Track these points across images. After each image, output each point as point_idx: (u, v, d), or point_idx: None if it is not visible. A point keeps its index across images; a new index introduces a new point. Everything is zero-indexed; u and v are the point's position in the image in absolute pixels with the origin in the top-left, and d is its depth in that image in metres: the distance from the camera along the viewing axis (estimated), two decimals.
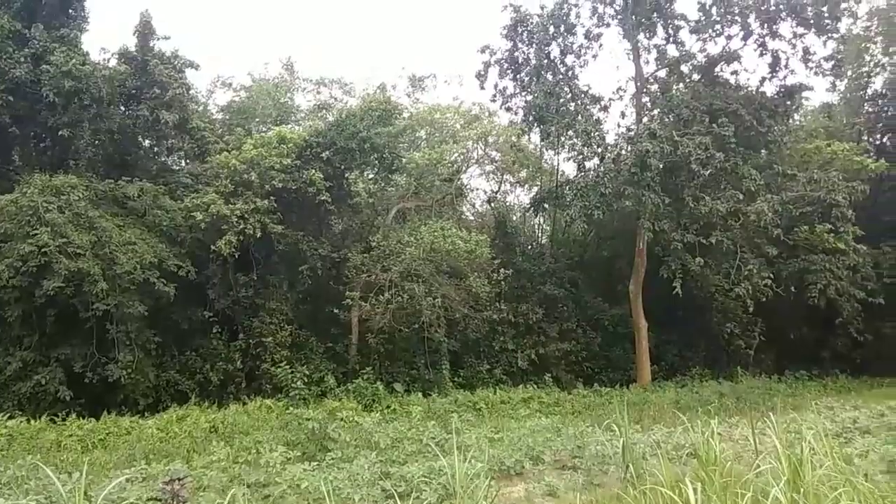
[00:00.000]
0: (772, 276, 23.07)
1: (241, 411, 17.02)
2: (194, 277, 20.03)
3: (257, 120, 28.38)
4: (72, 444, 14.11)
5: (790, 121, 25.63)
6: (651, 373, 23.74)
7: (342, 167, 22.63)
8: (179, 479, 7.61)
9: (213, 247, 19.70)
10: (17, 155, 22.12)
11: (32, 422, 15.08)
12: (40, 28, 20.78)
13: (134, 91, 21.86)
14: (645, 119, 24.11)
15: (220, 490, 8.52)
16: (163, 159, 25.20)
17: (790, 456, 6.19)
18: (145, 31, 22.02)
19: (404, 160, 24.25)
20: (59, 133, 20.18)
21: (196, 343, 20.97)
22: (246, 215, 19.94)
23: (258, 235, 20.08)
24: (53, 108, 20.12)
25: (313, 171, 21.26)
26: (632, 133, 23.57)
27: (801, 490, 5.72)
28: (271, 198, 20.62)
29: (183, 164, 25.66)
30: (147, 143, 24.14)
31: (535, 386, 22.16)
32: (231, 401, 18.65)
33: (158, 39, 22.31)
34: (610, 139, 23.73)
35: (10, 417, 15.08)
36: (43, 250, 16.55)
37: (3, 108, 19.86)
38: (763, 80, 24.12)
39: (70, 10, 22.14)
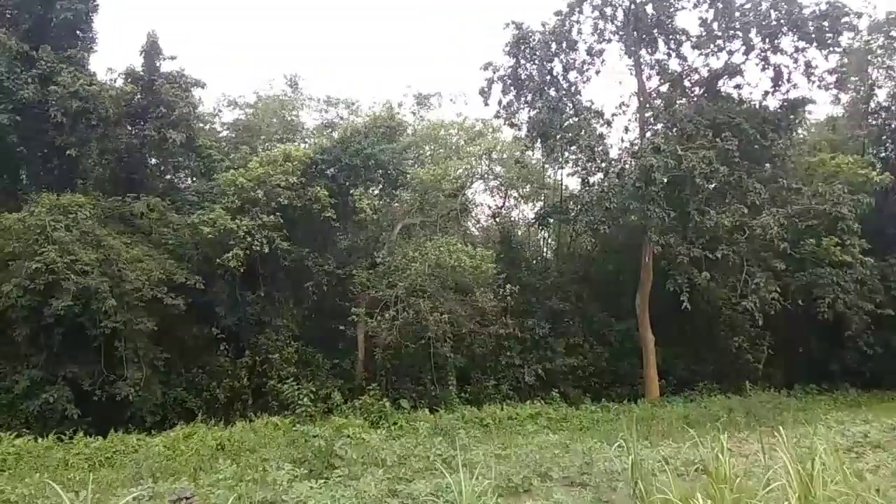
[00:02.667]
0: (779, 289, 22.96)
1: (247, 429, 16.96)
2: (202, 290, 20.13)
3: (263, 137, 28.53)
4: (79, 462, 14.07)
5: (794, 134, 25.67)
6: (659, 387, 23.56)
7: (347, 184, 22.75)
8: (187, 498, 7.65)
9: (218, 260, 19.78)
10: (25, 174, 22.35)
11: (40, 440, 15.11)
12: (48, 49, 21.06)
13: (140, 110, 22.13)
14: (648, 133, 24.13)
15: None
16: (169, 177, 25.41)
17: (801, 471, 6.13)
18: (152, 50, 22.32)
19: (409, 176, 24.33)
20: (67, 152, 20.43)
21: (203, 360, 21.04)
22: (253, 230, 20.06)
23: (265, 251, 20.19)
24: (61, 127, 20.37)
25: (318, 188, 21.42)
26: (636, 148, 23.61)
27: None
28: (277, 213, 20.72)
29: (189, 181, 25.83)
30: (153, 161, 24.39)
31: (542, 401, 21.92)
32: (237, 418, 18.60)
33: (165, 59, 22.63)
34: (613, 154, 23.85)
35: (18, 436, 15.13)
36: (50, 268, 16.71)
37: (11, 129, 20.08)
38: (766, 93, 24.22)
39: (78, 32, 22.49)
